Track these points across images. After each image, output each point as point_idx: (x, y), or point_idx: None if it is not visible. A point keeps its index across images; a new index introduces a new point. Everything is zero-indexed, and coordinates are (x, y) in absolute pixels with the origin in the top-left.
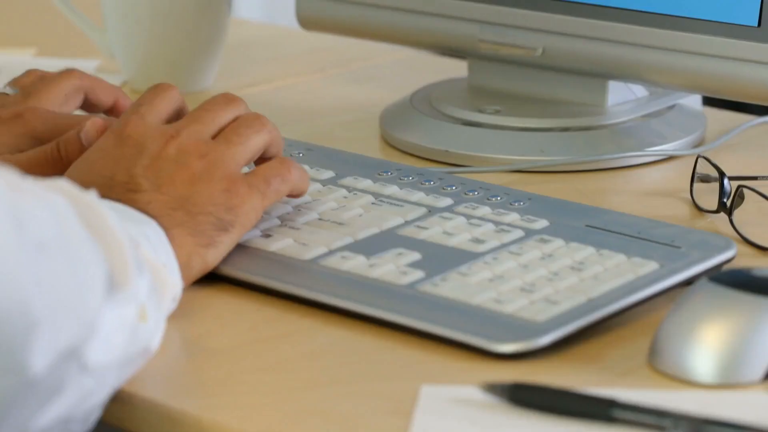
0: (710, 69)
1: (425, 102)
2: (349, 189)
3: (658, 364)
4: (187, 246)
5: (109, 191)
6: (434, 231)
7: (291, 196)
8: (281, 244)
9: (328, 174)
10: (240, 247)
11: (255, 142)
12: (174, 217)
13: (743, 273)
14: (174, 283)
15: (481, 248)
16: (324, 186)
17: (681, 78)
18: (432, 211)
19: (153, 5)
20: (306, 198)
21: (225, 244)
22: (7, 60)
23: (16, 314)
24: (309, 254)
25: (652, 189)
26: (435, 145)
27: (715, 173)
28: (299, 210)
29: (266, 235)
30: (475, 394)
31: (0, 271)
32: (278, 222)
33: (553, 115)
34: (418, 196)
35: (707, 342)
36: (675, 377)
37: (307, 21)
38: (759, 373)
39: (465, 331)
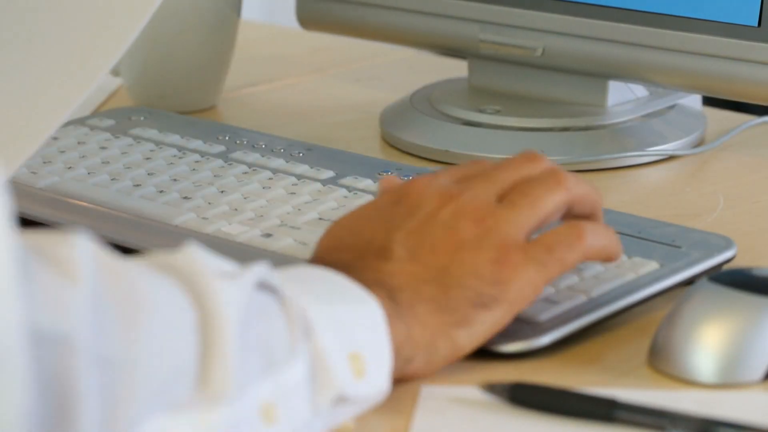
0: (710, 69)
1: (425, 102)
2: (349, 189)
3: (658, 364)
4: (432, 325)
5: (360, 258)
6: None
7: (607, 260)
8: (281, 244)
9: (328, 174)
10: (240, 247)
11: (546, 204)
12: (421, 291)
13: (743, 273)
14: (338, 378)
15: None
16: (324, 186)
17: (681, 78)
18: None
19: (161, 25)
20: (306, 198)
21: (483, 324)
22: None
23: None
24: (309, 254)
25: (652, 189)
26: (435, 145)
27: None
28: (299, 210)
29: (266, 234)
30: (475, 394)
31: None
32: (278, 222)
33: (553, 115)
34: None
35: (707, 342)
36: (675, 377)
37: (307, 21)
38: (759, 373)
39: None
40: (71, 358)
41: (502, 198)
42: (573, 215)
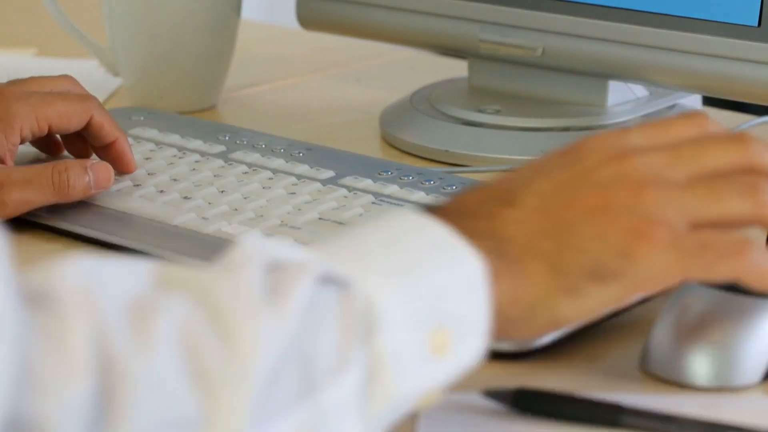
0: (710, 69)
1: (425, 102)
2: (349, 189)
3: (651, 368)
4: (539, 285)
5: (480, 201)
6: None
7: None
8: None
9: (328, 174)
10: None
11: (727, 207)
12: (537, 245)
13: None
14: (398, 375)
15: None
16: (324, 186)
17: (681, 78)
18: None
19: (162, 25)
20: (306, 198)
21: (592, 297)
22: (7, 60)
23: None
24: None
25: None
26: (435, 145)
27: None
28: (299, 210)
29: (266, 234)
30: (478, 399)
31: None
32: (278, 222)
33: (553, 115)
34: (419, 195)
35: (701, 345)
36: (669, 382)
37: (307, 21)
38: (756, 375)
39: None
40: None
41: (680, 181)
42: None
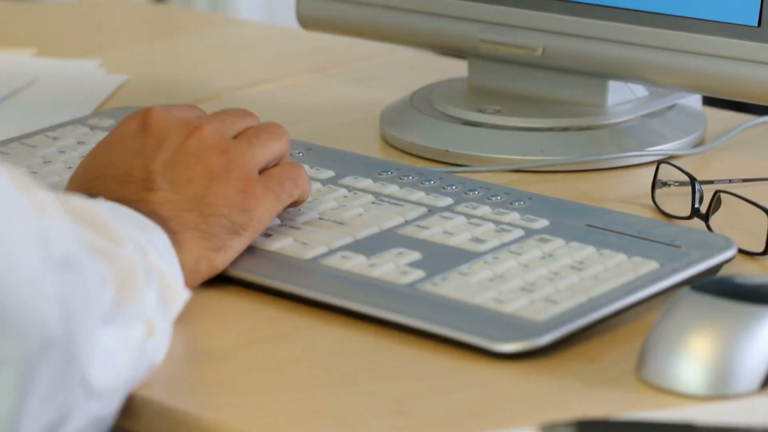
0: (710, 69)
1: (425, 102)
2: (349, 188)
3: (647, 377)
4: (196, 250)
5: (125, 187)
6: (434, 230)
7: (294, 204)
8: (281, 243)
9: (328, 174)
10: None
11: (274, 146)
12: (186, 219)
13: (727, 281)
14: (180, 290)
15: (481, 248)
16: (324, 185)
17: (681, 78)
18: (432, 210)
19: None
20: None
21: (235, 248)
22: (7, 60)
23: (33, 330)
24: (309, 254)
25: None
26: (435, 145)
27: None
28: (299, 209)
29: (266, 234)
30: None
31: (24, 286)
32: (278, 221)
33: (553, 115)
34: (419, 195)
35: (697, 353)
36: (665, 390)
37: (307, 21)
38: (754, 383)
39: (465, 330)
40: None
41: (238, 138)
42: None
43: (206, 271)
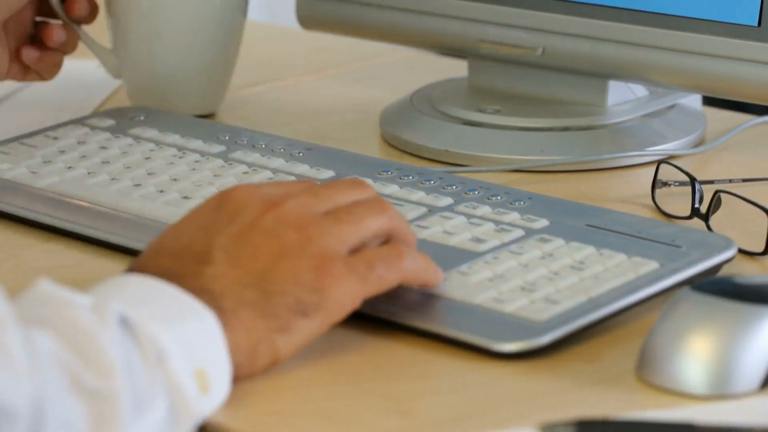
0: (710, 69)
1: (425, 102)
2: None
3: (648, 376)
4: (254, 330)
5: (178, 261)
6: (434, 230)
7: (420, 286)
8: None
9: (328, 174)
10: None
11: (369, 225)
12: (243, 295)
13: (726, 281)
14: (192, 401)
15: (481, 248)
16: None
17: (681, 78)
18: (432, 210)
19: (166, 28)
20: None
21: (302, 331)
22: None
23: None
24: None
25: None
26: (435, 145)
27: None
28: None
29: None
30: None
31: None
32: None
33: (553, 115)
34: (419, 195)
35: (698, 353)
36: (665, 390)
37: (307, 21)
38: (754, 383)
39: (465, 330)
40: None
41: (326, 214)
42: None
43: (267, 355)
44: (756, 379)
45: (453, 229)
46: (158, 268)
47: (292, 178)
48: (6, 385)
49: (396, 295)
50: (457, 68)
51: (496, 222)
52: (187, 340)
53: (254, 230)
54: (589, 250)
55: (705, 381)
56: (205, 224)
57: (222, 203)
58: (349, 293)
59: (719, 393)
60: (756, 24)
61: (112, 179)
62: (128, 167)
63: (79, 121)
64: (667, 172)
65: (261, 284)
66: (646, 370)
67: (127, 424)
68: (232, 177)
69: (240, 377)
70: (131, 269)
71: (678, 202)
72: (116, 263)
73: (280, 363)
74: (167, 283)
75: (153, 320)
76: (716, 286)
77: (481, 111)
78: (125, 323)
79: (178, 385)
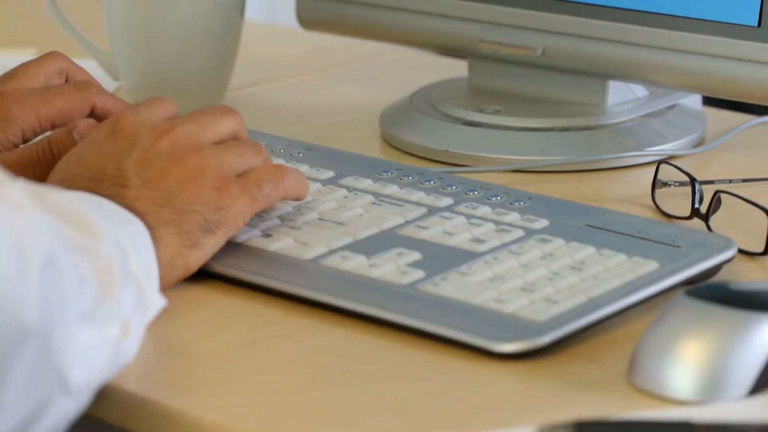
0: (710, 69)
1: (425, 102)
2: (349, 189)
3: (638, 382)
4: (172, 246)
5: (98, 185)
6: (434, 230)
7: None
8: (281, 243)
9: (328, 174)
10: (240, 247)
11: (253, 159)
12: (161, 214)
13: (721, 287)
14: (156, 293)
15: (481, 248)
16: (324, 186)
17: (681, 78)
18: (432, 210)
19: (163, 30)
20: (306, 198)
21: (209, 246)
22: (7, 60)
23: (10, 325)
24: (309, 254)
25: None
26: (435, 145)
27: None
28: (299, 210)
29: (266, 234)
30: None
31: (1, 283)
32: (278, 222)
33: (553, 115)
34: (419, 195)
35: (688, 358)
36: (655, 395)
37: (307, 21)
38: (743, 389)
39: (465, 330)
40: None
41: (216, 143)
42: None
43: (181, 269)
44: (745, 385)
45: (453, 230)
46: (83, 190)
47: None
48: (41, 233)
49: (393, 293)
50: (457, 68)
51: (496, 222)
52: (136, 244)
53: (155, 155)
54: (589, 250)
55: (694, 387)
56: (107, 150)
57: (115, 131)
58: (242, 211)
59: (708, 399)
60: (756, 24)
61: None
62: None
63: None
64: (667, 172)
65: (173, 203)
66: (637, 374)
67: (120, 287)
68: None
69: (162, 286)
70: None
71: (678, 202)
72: None
73: (189, 274)
74: (105, 198)
75: (109, 222)
76: (709, 291)
77: (481, 111)
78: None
79: (140, 278)
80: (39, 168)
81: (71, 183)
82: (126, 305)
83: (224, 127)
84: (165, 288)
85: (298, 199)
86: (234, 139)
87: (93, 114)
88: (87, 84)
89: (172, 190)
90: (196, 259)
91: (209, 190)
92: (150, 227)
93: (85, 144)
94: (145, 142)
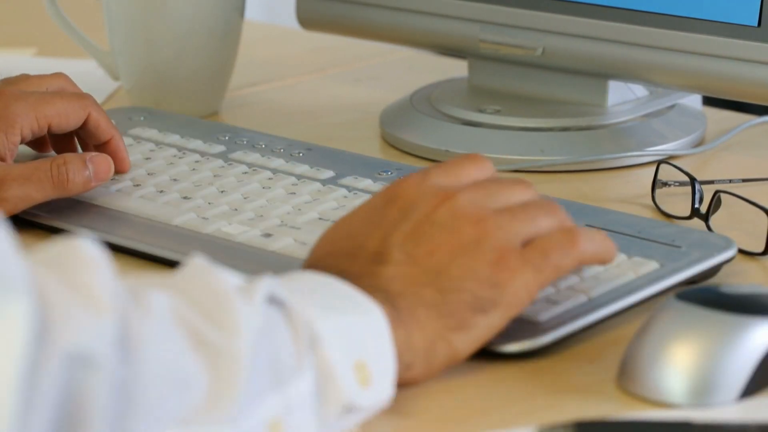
0: (710, 69)
1: (425, 102)
2: (349, 189)
3: (627, 385)
4: (432, 329)
5: (353, 262)
6: None
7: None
8: (281, 243)
9: (328, 174)
10: (240, 247)
11: (543, 222)
12: (421, 294)
13: (712, 290)
14: (344, 388)
15: None
16: (324, 186)
17: (681, 78)
18: None
19: (163, 31)
20: (306, 198)
21: (480, 328)
22: (7, 60)
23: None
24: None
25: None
26: (435, 145)
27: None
28: (299, 210)
29: (266, 234)
30: None
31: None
32: (278, 222)
33: (553, 115)
34: None
35: (678, 362)
36: (645, 399)
37: (307, 21)
38: (733, 393)
39: None
40: (92, 378)
41: (501, 210)
42: None
43: (444, 354)
44: (736, 388)
45: None
46: (334, 268)
47: (293, 178)
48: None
49: None
50: (457, 68)
51: None
52: (346, 331)
53: (430, 225)
54: None
55: (684, 390)
56: (378, 221)
57: (392, 198)
58: (525, 285)
59: (698, 403)
60: (756, 24)
61: (113, 179)
62: None
63: None
64: (667, 172)
65: (438, 282)
66: (626, 378)
67: (248, 387)
68: (232, 177)
69: (417, 377)
70: (310, 267)
71: (678, 202)
72: (116, 264)
73: (459, 362)
74: (338, 279)
75: (312, 307)
76: (700, 295)
77: (481, 111)
78: (276, 302)
79: (330, 371)
80: (49, 186)
81: (329, 259)
82: (272, 404)
83: (516, 197)
84: (427, 377)
85: (604, 263)
86: None
87: (85, 125)
88: (86, 94)
89: (440, 267)
90: (463, 343)
91: (485, 264)
92: (404, 309)
93: (357, 211)
94: (421, 210)
